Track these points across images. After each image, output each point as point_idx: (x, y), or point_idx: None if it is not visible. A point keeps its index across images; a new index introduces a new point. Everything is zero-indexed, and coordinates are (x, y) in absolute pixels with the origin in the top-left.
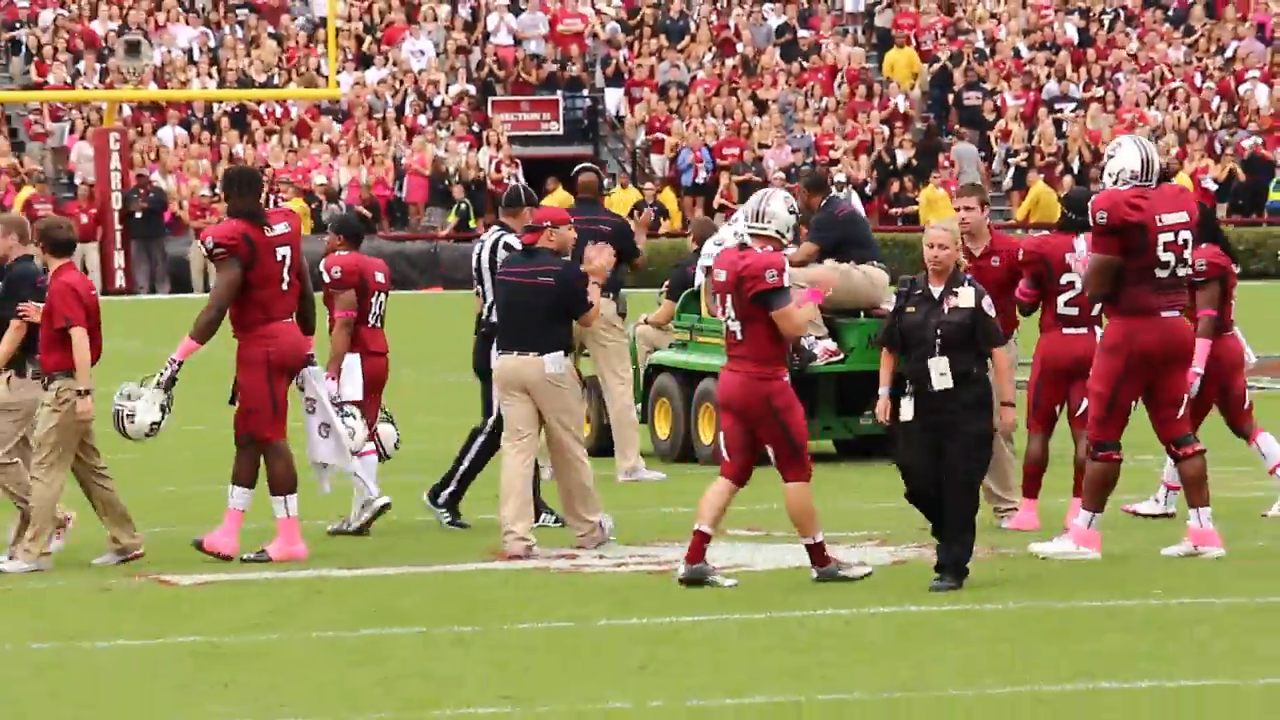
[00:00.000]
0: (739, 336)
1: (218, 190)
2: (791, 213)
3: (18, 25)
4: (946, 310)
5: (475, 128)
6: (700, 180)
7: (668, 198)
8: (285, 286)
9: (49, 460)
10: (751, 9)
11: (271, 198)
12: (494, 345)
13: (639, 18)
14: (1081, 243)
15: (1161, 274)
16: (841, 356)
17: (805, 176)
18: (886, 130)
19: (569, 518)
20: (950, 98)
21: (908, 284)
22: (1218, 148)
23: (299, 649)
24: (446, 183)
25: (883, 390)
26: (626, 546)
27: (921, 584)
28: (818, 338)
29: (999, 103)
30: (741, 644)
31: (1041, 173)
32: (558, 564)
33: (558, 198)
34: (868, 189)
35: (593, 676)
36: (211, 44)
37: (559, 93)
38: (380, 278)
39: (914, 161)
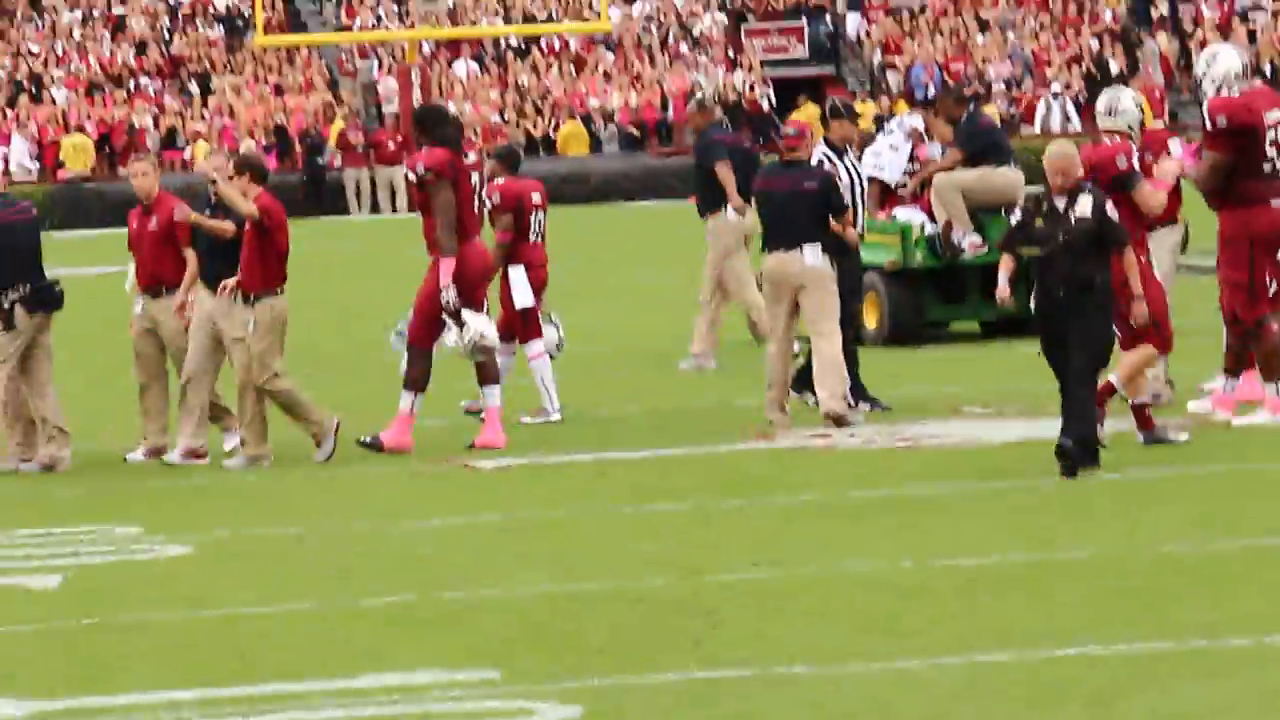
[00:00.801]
0: None
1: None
2: (1138, 108)
3: None
4: (1072, 220)
5: (730, 53)
6: (931, 95)
7: (902, 110)
8: (475, 209)
9: (268, 371)
10: None
11: (552, 122)
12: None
13: None
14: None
15: (1267, 167)
16: (986, 249)
17: (951, 92)
18: (1095, 43)
19: (815, 390)
20: (1153, 11)
21: (1033, 199)
22: None
23: (586, 523)
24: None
25: (1003, 279)
26: (874, 425)
27: (1130, 454)
28: (965, 233)
29: (1195, 14)
30: (979, 510)
31: None
32: (814, 443)
33: (807, 112)
34: (1080, 98)
35: (845, 542)
36: None
37: (804, 19)
38: (537, 198)
39: (1125, 70)
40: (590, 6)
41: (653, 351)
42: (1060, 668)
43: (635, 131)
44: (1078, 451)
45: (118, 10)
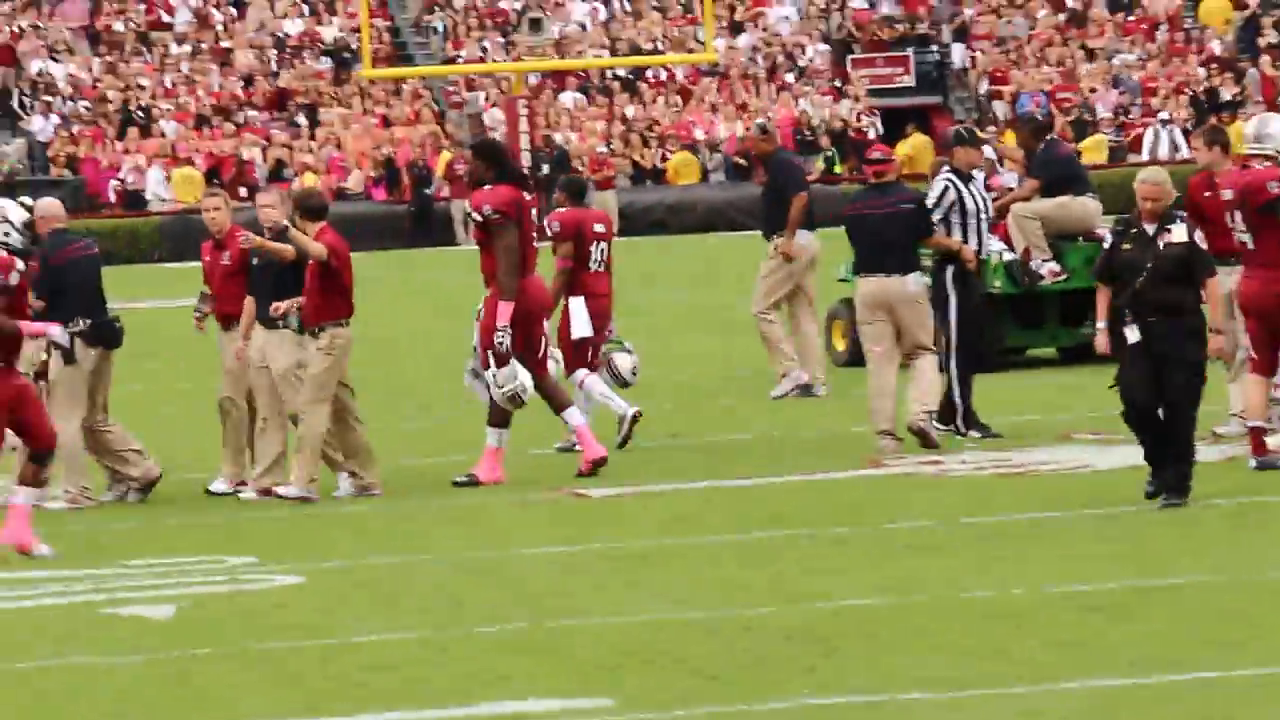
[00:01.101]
0: (1250, 246)
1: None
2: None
3: (435, 9)
4: (1162, 246)
5: (836, 83)
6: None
7: (1010, 139)
8: (533, 243)
9: (318, 398)
10: None
11: (659, 152)
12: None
13: None
14: None
15: None
16: (1065, 276)
17: (1028, 122)
18: (1203, 72)
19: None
20: (1260, 39)
21: (1124, 223)
22: None
23: (696, 551)
24: (812, 133)
25: (1101, 324)
26: (984, 452)
27: (1242, 479)
28: (1044, 260)
29: None
30: (1091, 536)
31: None
32: (925, 469)
33: (914, 142)
34: (1187, 126)
35: (957, 569)
36: (603, 17)
37: (910, 49)
38: (600, 228)
39: (1234, 98)
40: (696, 38)
41: (758, 378)
42: (1177, 693)
43: (742, 161)
44: (1177, 486)
45: (225, 43)
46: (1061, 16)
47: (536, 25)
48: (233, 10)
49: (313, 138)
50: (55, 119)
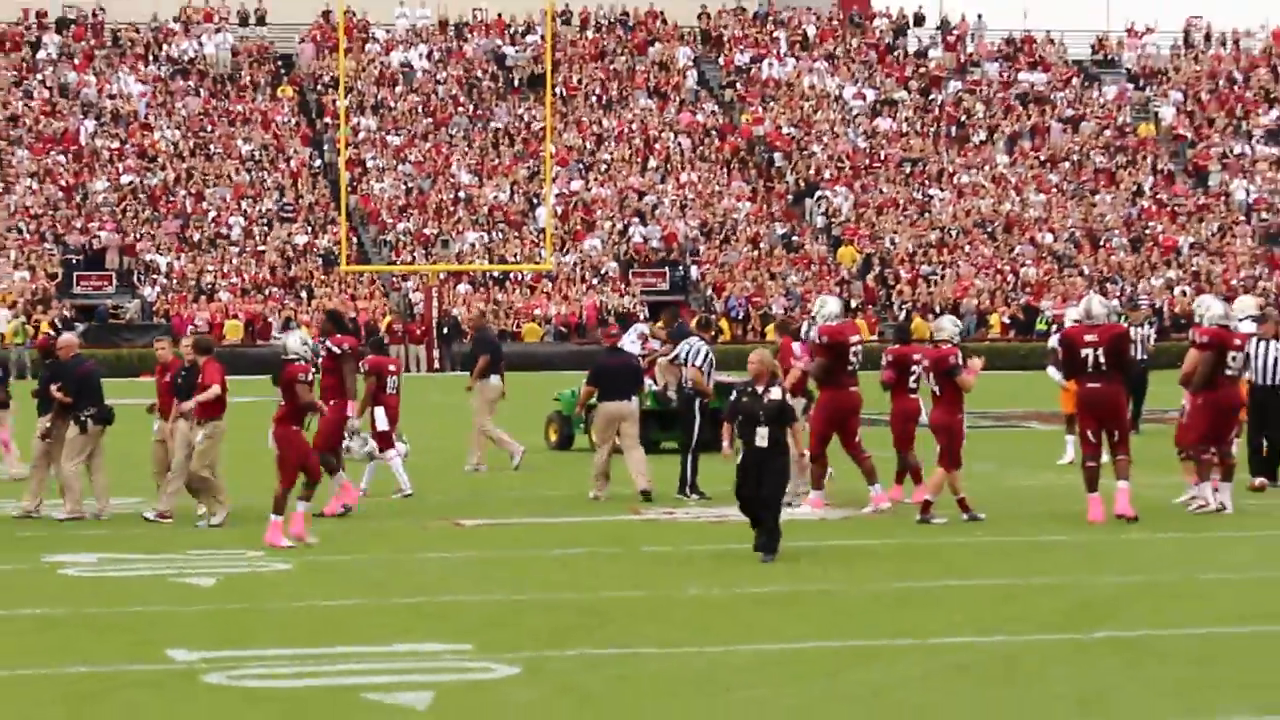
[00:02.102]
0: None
1: None
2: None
3: (385, 231)
4: (765, 400)
5: (622, 285)
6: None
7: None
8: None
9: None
10: None
11: (516, 322)
12: None
13: None
14: None
15: None
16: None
17: (673, 317)
18: None
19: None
20: None
21: (741, 385)
22: None
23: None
24: (609, 314)
25: (726, 443)
26: (702, 508)
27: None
28: (668, 389)
29: None
30: (749, 559)
31: None
32: (663, 518)
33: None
34: None
35: (691, 574)
36: (486, 240)
37: (665, 267)
38: (391, 367)
39: None
40: (540, 255)
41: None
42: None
43: (563, 329)
44: (770, 554)
45: (260, 247)
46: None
47: (445, 244)
48: (266, 227)
49: (309, 305)
50: (157, 288)
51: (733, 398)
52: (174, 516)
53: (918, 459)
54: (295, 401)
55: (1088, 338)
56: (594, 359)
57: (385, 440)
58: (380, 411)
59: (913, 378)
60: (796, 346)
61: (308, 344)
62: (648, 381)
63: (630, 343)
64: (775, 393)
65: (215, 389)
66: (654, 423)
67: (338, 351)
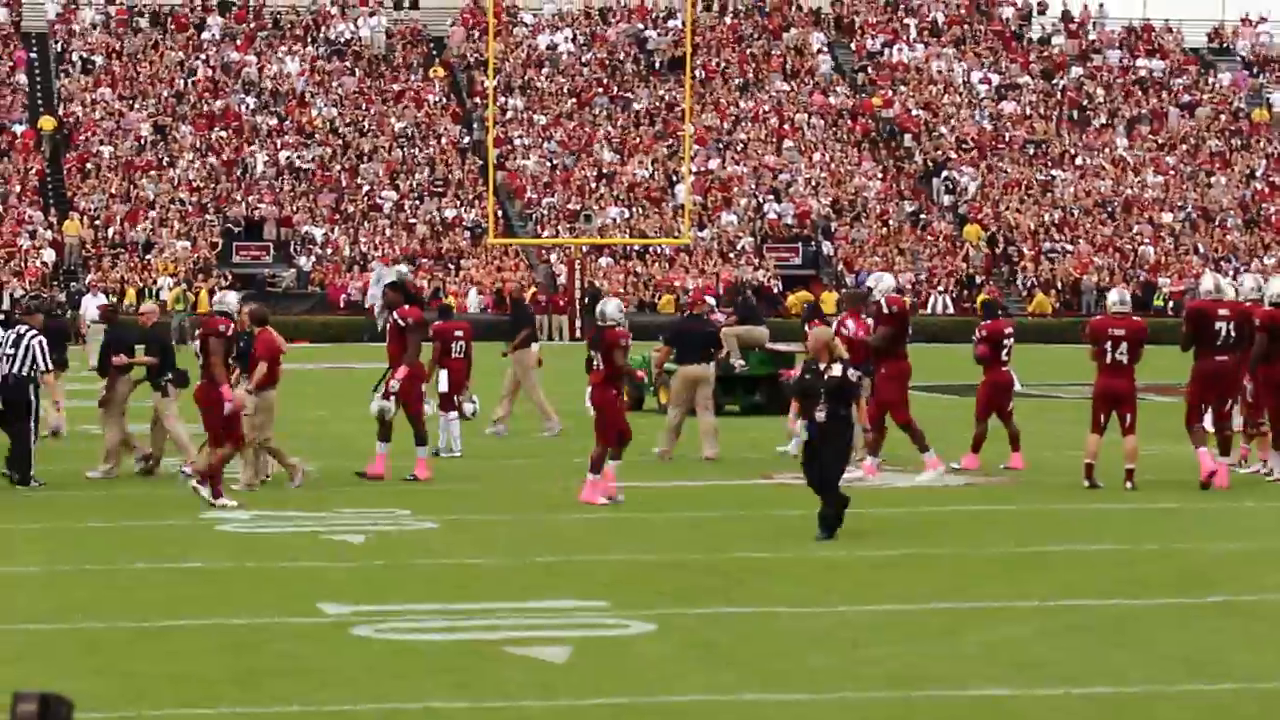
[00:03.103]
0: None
1: None
2: None
3: (531, 205)
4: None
5: (756, 259)
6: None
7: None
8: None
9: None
10: None
11: (654, 293)
12: None
13: None
14: None
15: None
16: (746, 366)
17: (731, 290)
18: None
19: None
20: None
21: (806, 363)
22: None
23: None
24: (740, 287)
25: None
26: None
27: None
28: (735, 356)
29: None
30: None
31: None
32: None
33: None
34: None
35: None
36: (626, 215)
37: (798, 243)
38: (458, 333)
39: None
40: (678, 229)
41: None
42: None
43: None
44: (829, 532)
45: (411, 220)
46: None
47: (588, 218)
48: (417, 201)
49: (457, 274)
50: (313, 259)
51: (796, 374)
52: (257, 485)
53: (1017, 426)
54: (614, 365)
55: (1221, 312)
56: (671, 324)
57: (446, 402)
58: (444, 374)
59: (1004, 351)
60: (851, 323)
61: (623, 311)
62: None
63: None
64: (836, 369)
65: (262, 366)
66: (719, 387)
67: (402, 324)
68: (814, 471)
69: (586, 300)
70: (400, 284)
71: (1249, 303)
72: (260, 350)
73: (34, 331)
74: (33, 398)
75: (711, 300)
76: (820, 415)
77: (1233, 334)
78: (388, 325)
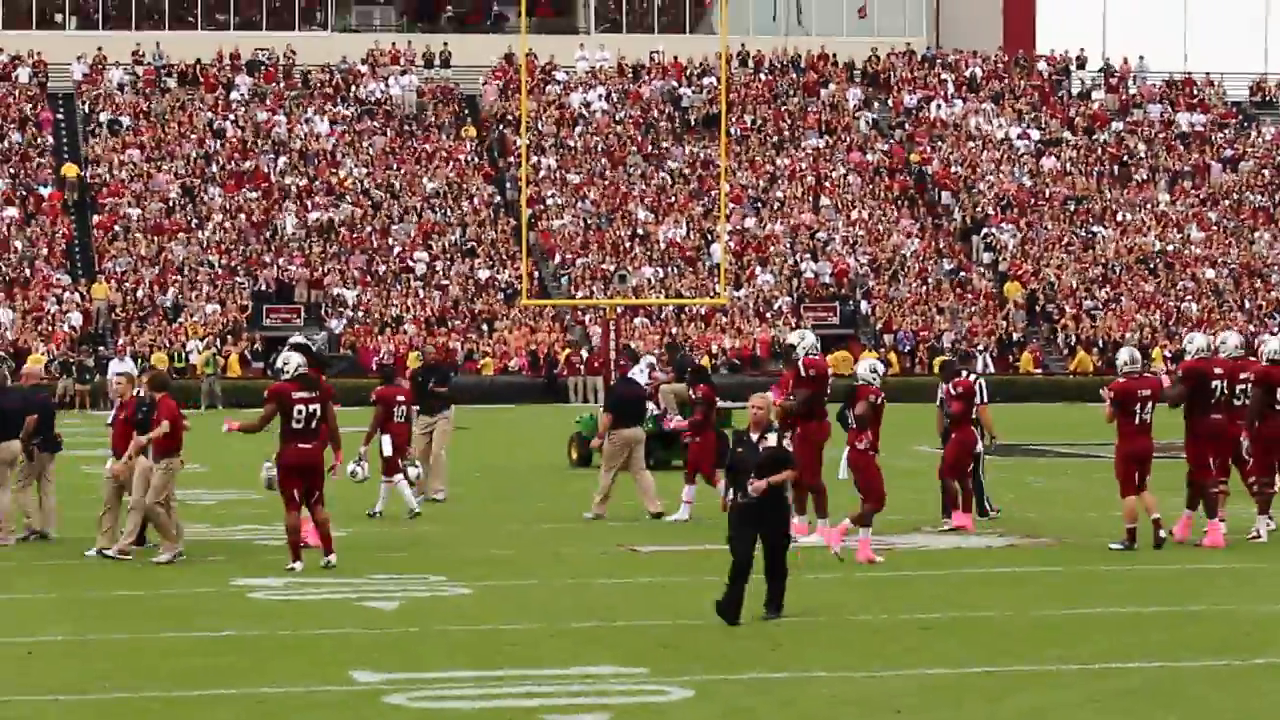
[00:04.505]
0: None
1: None
2: None
3: (564, 267)
4: (761, 449)
5: (793, 319)
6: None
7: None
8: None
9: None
10: None
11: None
12: None
13: None
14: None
15: None
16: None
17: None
18: None
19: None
20: None
21: (736, 435)
22: None
23: None
24: (781, 348)
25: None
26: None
27: None
28: (673, 417)
29: None
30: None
31: None
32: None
33: (839, 355)
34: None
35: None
36: (660, 275)
37: (835, 302)
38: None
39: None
40: (715, 289)
41: None
42: None
43: (736, 361)
44: (775, 611)
45: (445, 282)
46: None
47: (622, 278)
48: (449, 262)
49: (491, 336)
50: (344, 321)
51: (733, 449)
52: (131, 554)
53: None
54: (870, 424)
55: (1216, 370)
56: (612, 391)
57: (391, 466)
58: (386, 439)
59: (974, 409)
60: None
61: (876, 372)
62: (650, 406)
63: (639, 373)
64: (771, 439)
65: (165, 425)
66: (658, 444)
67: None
68: (745, 551)
69: (621, 362)
70: (305, 347)
71: (1234, 360)
72: (165, 414)
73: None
74: None
75: (651, 360)
76: (754, 491)
77: (1224, 393)
78: None
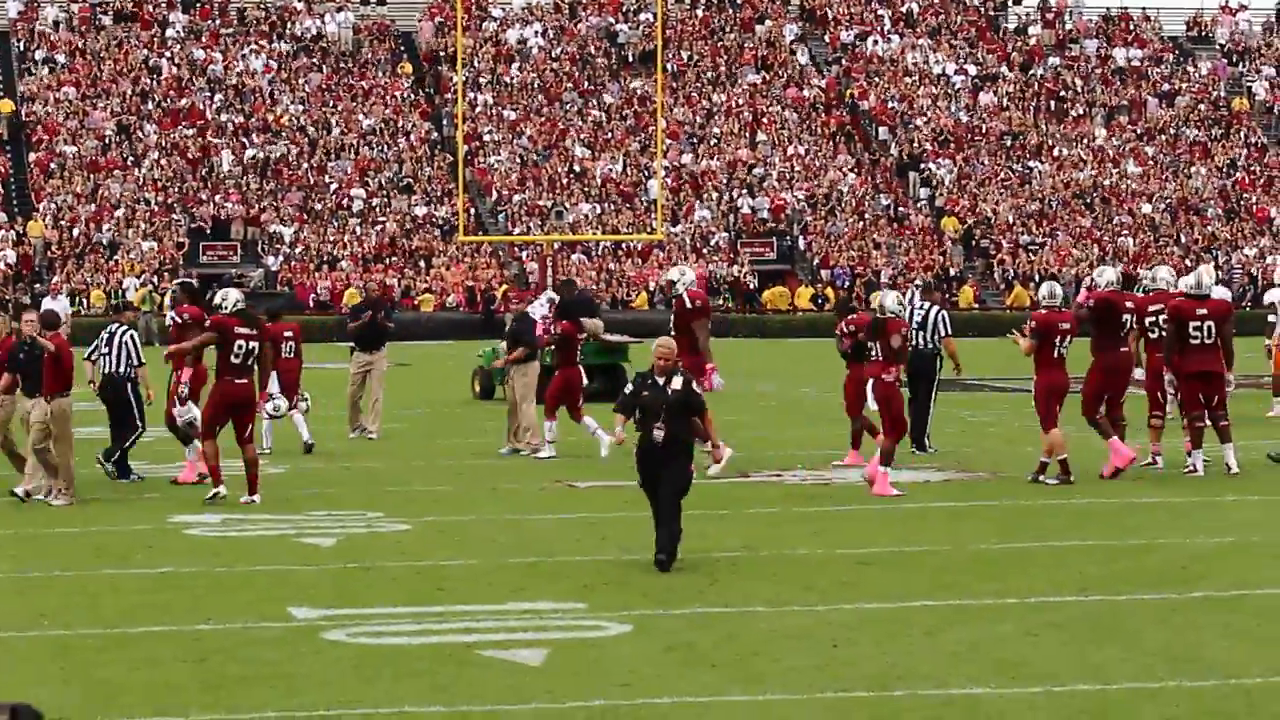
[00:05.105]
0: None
1: None
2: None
3: (501, 203)
4: (669, 392)
5: (732, 255)
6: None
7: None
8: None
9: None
10: None
11: (626, 290)
12: None
13: None
14: None
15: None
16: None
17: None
18: None
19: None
20: None
21: (640, 376)
22: None
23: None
24: (717, 283)
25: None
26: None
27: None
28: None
29: None
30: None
31: None
32: None
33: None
34: None
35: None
36: (598, 211)
37: (773, 238)
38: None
39: None
40: (651, 225)
41: None
42: None
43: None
44: (669, 557)
45: (380, 219)
46: None
47: (559, 215)
48: (386, 199)
49: (428, 273)
50: (281, 258)
51: (628, 390)
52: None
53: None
54: (892, 356)
55: (1127, 304)
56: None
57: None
58: (273, 375)
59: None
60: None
61: (902, 303)
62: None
63: (538, 307)
64: (677, 382)
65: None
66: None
67: (179, 320)
68: (654, 492)
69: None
70: (187, 284)
71: (1153, 293)
72: (63, 355)
73: (126, 329)
74: (130, 395)
75: (552, 295)
76: (659, 435)
77: (1134, 326)
78: (172, 326)
